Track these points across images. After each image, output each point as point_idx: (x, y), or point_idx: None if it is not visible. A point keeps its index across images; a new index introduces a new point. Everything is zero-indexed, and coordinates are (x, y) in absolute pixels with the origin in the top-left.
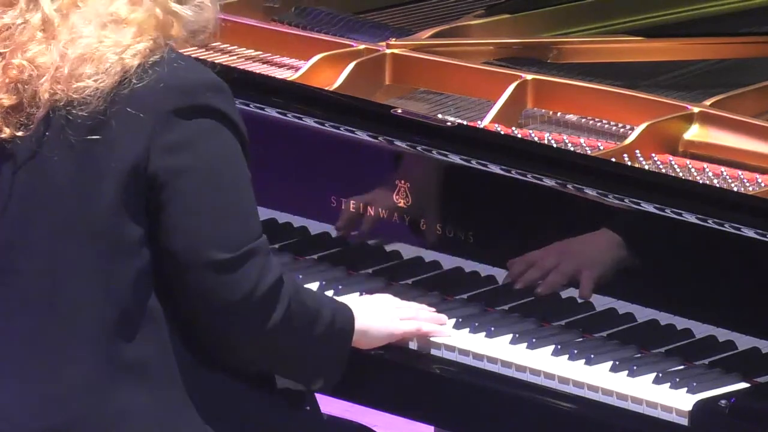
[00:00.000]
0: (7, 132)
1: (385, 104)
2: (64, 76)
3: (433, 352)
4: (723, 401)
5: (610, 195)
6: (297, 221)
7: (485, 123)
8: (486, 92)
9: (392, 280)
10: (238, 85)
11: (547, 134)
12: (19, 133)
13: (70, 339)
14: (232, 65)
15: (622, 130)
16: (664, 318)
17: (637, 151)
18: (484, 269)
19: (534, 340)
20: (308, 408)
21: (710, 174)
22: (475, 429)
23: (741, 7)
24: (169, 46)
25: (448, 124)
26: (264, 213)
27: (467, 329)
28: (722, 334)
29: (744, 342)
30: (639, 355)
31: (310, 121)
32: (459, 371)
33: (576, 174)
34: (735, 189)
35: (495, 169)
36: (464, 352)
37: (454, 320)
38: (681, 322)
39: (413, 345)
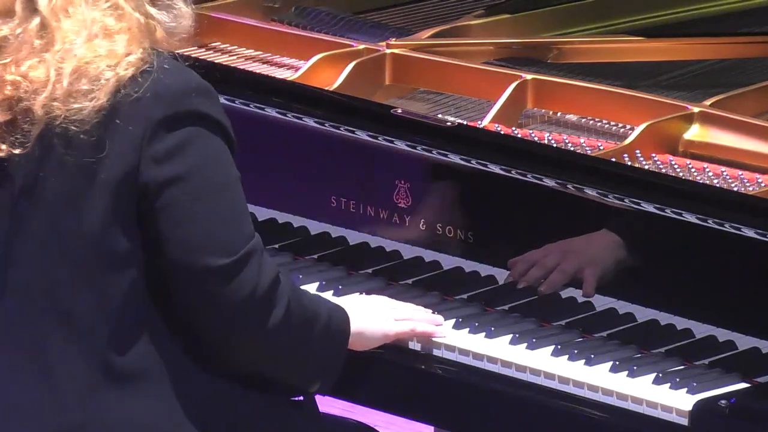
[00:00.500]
0: (3, 149)
1: (385, 104)
2: (61, 93)
3: (433, 352)
4: (723, 401)
5: (610, 195)
6: (297, 221)
7: (485, 123)
8: (486, 92)
9: (392, 280)
10: (238, 85)
11: (547, 134)
12: (16, 151)
13: (66, 350)
14: (232, 65)
15: (622, 130)
16: (664, 318)
17: (638, 151)
18: (484, 269)
19: (534, 340)
20: (305, 408)
21: (710, 174)
22: (475, 429)
23: (741, 7)
24: (156, 49)
25: (448, 124)
26: (264, 213)
27: (467, 329)
28: (722, 334)
29: (744, 342)
30: (639, 355)
31: (310, 121)
32: (459, 371)
33: (576, 174)
34: (735, 189)
35: (495, 169)
36: (464, 352)
37: (453, 320)
38: (681, 322)
39: (413, 345)
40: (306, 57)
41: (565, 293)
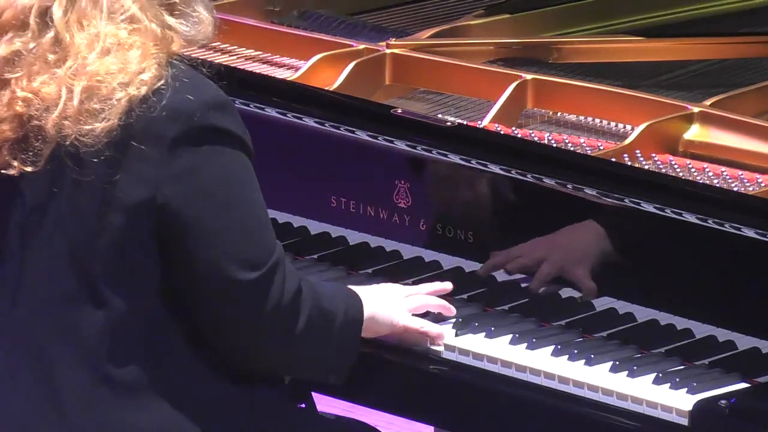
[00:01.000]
0: (15, 167)
1: (385, 104)
2: (72, 111)
3: (433, 352)
4: (723, 401)
5: (610, 195)
6: (297, 221)
7: (485, 123)
8: (486, 92)
9: (392, 280)
10: (238, 85)
11: (547, 134)
12: (28, 169)
13: (70, 361)
14: (232, 65)
15: (622, 130)
16: (664, 318)
17: (638, 151)
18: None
19: (534, 340)
20: (305, 406)
21: (710, 174)
22: (475, 429)
23: (741, 7)
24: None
25: (448, 124)
26: None
27: (467, 329)
28: (722, 334)
29: (744, 342)
30: (639, 355)
31: (310, 121)
32: (459, 371)
33: (576, 174)
34: (735, 189)
35: (495, 169)
36: (464, 352)
37: (453, 320)
38: (681, 322)
39: (414, 345)
40: (306, 57)
41: (565, 293)
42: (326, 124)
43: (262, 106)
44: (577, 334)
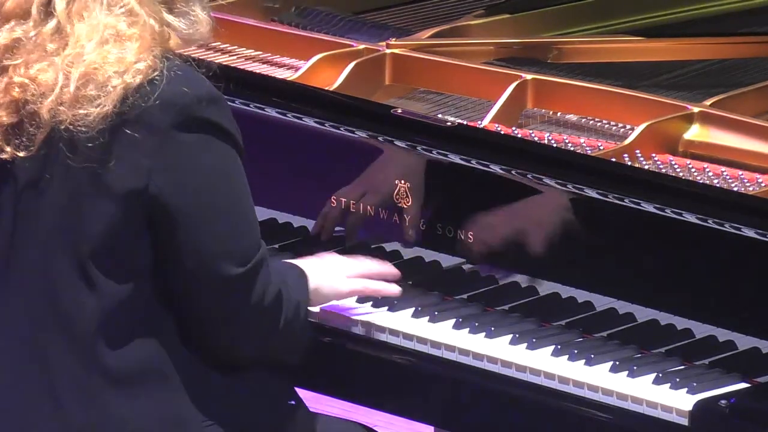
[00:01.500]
0: (8, 152)
1: (385, 104)
2: (68, 98)
3: (434, 352)
4: (723, 401)
5: (610, 195)
6: (297, 221)
7: (485, 123)
8: (486, 92)
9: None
10: (238, 85)
11: (547, 134)
12: (21, 154)
13: (66, 351)
14: (232, 65)
15: (622, 130)
16: (664, 318)
17: (638, 151)
18: (484, 269)
19: (534, 340)
20: (293, 402)
21: (710, 174)
22: (475, 429)
23: (741, 7)
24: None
25: (448, 124)
26: (264, 213)
27: (467, 329)
28: (722, 334)
29: (744, 342)
30: (639, 355)
31: (310, 121)
32: (459, 371)
33: (576, 174)
34: (735, 189)
35: (495, 169)
36: (464, 352)
37: (453, 320)
38: (681, 322)
39: (414, 345)
40: (306, 57)
41: (565, 293)
42: (326, 124)
43: (262, 106)
44: (577, 334)
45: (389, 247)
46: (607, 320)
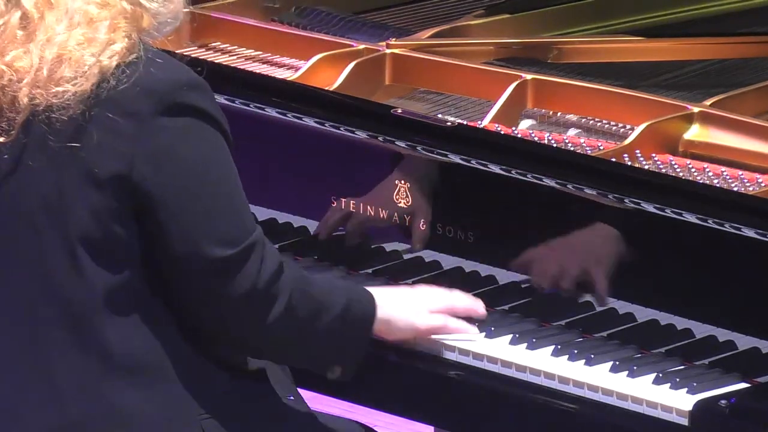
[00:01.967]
0: None
1: (385, 104)
2: (42, 79)
3: (433, 352)
4: (723, 401)
5: (610, 195)
6: (297, 221)
7: (485, 123)
8: (486, 92)
9: (392, 280)
10: (238, 85)
11: (547, 134)
12: (1, 140)
13: (61, 341)
14: (232, 65)
15: (622, 130)
16: (664, 318)
17: (638, 151)
18: (484, 269)
19: (534, 340)
20: (292, 398)
21: (710, 174)
22: (475, 429)
23: (741, 7)
24: (145, 43)
25: (448, 124)
26: (264, 213)
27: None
28: (722, 334)
29: (744, 342)
30: (639, 355)
31: (310, 121)
32: (459, 371)
33: (576, 174)
34: (735, 189)
35: (495, 169)
36: (464, 352)
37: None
38: (681, 322)
39: (414, 345)
40: (306, 57)
41: (565, 293)
42: (326, 124)
43: (262, 106)
44: (577, 334)
45: (389, 247)
46: (607, 320)
